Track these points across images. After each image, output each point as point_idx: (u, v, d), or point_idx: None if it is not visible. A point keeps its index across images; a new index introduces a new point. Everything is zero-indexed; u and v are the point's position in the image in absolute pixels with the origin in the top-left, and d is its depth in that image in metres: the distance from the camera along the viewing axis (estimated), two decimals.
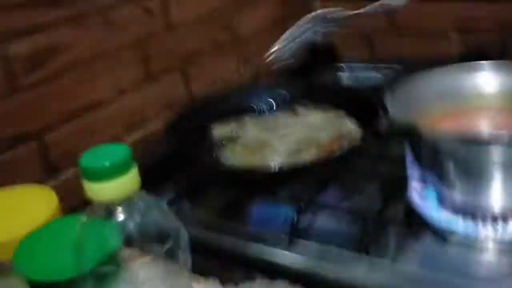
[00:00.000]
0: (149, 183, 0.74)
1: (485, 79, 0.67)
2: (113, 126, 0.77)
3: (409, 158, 0.65)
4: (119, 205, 0.39)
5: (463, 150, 0.57)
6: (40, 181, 0.68)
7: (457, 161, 0.58)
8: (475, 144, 0.56)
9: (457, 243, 0.59)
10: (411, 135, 0.62)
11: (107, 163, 0.37)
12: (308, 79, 1.09)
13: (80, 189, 0.71)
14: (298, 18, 1.16)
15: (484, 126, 0.66)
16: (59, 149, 0.70)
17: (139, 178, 0.39)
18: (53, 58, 0.67)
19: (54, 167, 0.70)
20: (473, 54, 1.02)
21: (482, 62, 0.68)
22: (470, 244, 0.58)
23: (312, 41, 0.79)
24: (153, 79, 0.83)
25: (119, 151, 0.38)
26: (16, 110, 0.65)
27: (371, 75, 1.08)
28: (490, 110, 0.66)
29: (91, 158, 0.38)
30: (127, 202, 0.39)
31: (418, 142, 0.61)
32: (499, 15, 1.01)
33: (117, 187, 0.38)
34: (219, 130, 0.82)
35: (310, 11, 1.20)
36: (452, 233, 0.59)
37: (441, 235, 0.60)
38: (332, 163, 0.67)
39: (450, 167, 0.59)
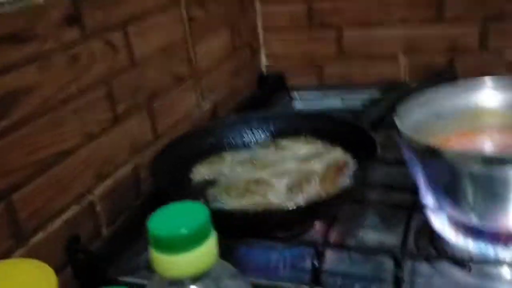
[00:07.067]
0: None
1: (487, 96, 0.66)
2: (84, 177, 0.67)
3: (422, 183, 0.62)
4: (194, 280, 0.31)
5: (485, 169, 0.54)
6: (8, 250, 0.56)
7: (477, 181, 0.55)
8: (500, 163, 0.54)
9: (477, 269, 0.57)
10: (429, 155, 0.58)
11: (184, 230, 0.29)
12: (267, 110, 1.04)
13: (50, 257, 0.60)
14: (248, 46, 1.12)
15: (492, 145, 0.65)
16: (27, 210, 0.59)
17: (217, 246, 0.31)
18: (18, 104, 0.57)
19: (23, 232, 0.58)
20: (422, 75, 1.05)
21: (482, 78, 0.66)
22: (490, 269, 0.56)
23: None
24: (120, 120, 0.74)
25: (195, 212, 0.30)
26: None
27: (329, 102, 1.06)
28: (495, 128, 0.65)
29: (162, 222, 0.29)
30: (203, 277, 0.31)
31: (437, 163, 0.58)
32: (447, 35, 1.03)
33: (195, 259, 0.30)
34: (199, 173, 0.75)
35: (256, 40, 1.17)
36: (471, 258, 0.56)
37: (460, 262, 0.57)
38: (343, 197, 0.61)
39: (469, 188, 0.56)
